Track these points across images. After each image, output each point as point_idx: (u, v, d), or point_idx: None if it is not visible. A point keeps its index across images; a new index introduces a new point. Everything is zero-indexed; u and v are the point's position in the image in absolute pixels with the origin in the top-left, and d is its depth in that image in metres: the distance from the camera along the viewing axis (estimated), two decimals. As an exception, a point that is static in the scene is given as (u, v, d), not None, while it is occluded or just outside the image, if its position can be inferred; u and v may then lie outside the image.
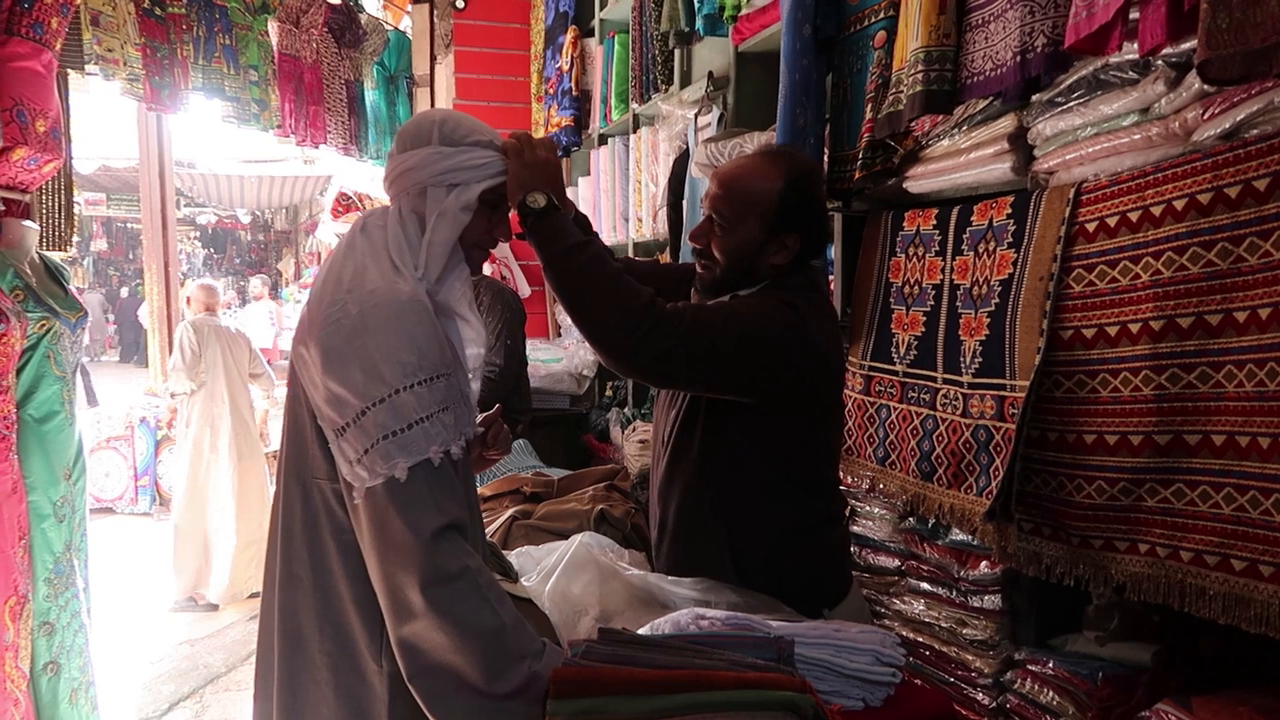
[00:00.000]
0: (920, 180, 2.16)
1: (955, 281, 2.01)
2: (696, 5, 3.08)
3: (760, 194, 1.66)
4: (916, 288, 2.14)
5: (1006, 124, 1.88)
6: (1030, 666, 1.91)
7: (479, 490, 2.64)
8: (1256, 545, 1.38)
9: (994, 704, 1.98)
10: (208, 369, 5.00)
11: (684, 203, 3.25)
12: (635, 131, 4.06)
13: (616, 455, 3.92)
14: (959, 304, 1.99)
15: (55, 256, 2.90)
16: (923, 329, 2.10)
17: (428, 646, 1.23)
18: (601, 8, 4.60)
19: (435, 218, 1.40)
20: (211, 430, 5.02)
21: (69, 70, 3.04)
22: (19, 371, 2.50)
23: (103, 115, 8.36)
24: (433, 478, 1.28)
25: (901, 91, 2.01)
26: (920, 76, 1.92)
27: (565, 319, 4.95)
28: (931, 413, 2.05)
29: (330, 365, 1.29)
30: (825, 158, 2.38)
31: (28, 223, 2.66)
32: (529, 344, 4.64)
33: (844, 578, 1.81)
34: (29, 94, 2.49)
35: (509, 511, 2.49)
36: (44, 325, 2.56)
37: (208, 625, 4.71)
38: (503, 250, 5.04)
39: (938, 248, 2.07)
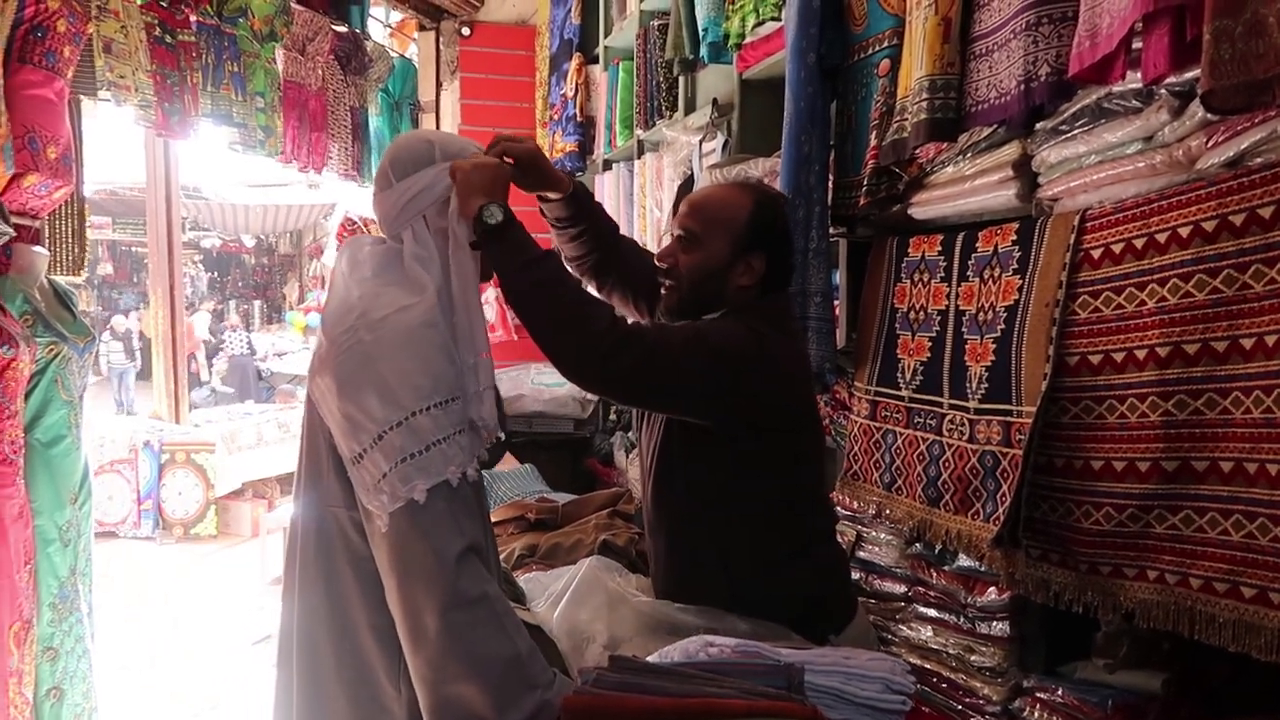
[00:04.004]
0: (925, 206, 2.17)
1: (961, 307, 2.02)
2: (701, 33, 3.10)
3: (729, 213, 1.70)
4: (922, 313, 2.14)
5: (1011, 151, 1.89)
6: (1039, 694, 1.90)
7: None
8: (1266, 572, 1.37)
9: (1003, 732, 1.97)
10: None
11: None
12: (640, 157, 4.08)
13: (620, 479, 3.91)
14: (964, 330, 2.00)
15: (62, 280, 2.92)
16: (928, 354, 2.11)
17: (441, 675, 1.22)
18: (606, 35, 4.64)
19: (460, 224, 1.43)
20: None
21: (82, 96, 3.07)
22: (27, 396, 2.51)
23: (108, 140, 8.41)
24: (452, 499, 1.29)
25: (906, 119, 2.02)
26: (925, 104, 1.94)
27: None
28: (938, 438, 2.06)
29: (346, 392, 1.30)
30: (830, 184, 2.39)
31: (38, 249, 2.69)
32: (533, 367, 4.65)
33: (846, 598, 1.80)
34: (41, 121, 2.52)
35: (515, 545, 2.47)
36: (52, 350, 2.57)
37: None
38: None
39: (943, 274, 2.08)
